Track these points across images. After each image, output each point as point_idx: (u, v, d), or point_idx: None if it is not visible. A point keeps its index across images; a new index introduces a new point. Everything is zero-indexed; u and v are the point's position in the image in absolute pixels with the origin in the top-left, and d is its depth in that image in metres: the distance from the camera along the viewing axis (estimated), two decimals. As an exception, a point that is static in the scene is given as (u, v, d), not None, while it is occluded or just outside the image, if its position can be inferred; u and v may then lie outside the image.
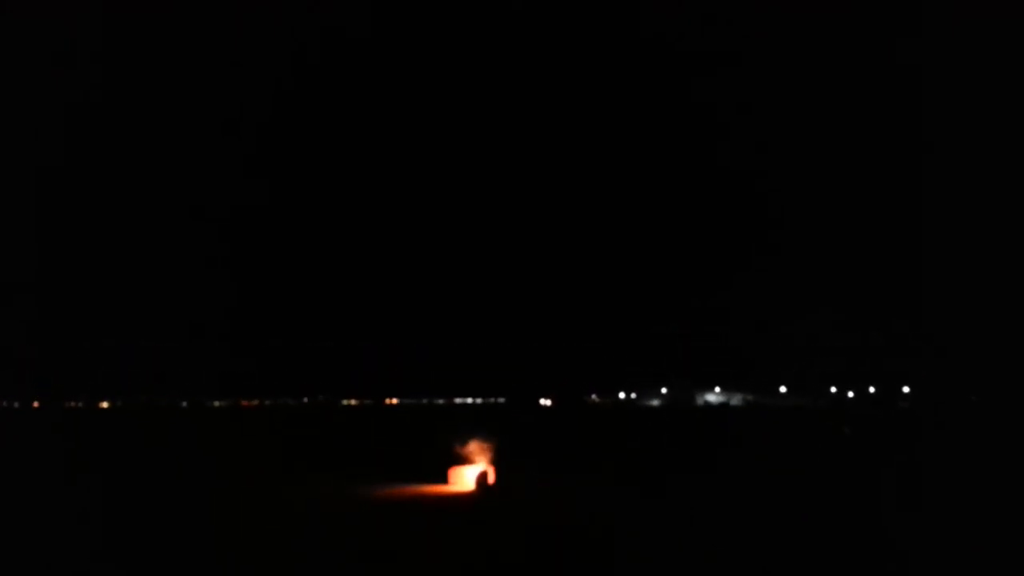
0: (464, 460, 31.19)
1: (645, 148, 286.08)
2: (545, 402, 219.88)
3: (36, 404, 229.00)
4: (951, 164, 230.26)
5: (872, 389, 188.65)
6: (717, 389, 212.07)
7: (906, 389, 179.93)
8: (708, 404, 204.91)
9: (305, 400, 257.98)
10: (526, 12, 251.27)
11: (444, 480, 30.52)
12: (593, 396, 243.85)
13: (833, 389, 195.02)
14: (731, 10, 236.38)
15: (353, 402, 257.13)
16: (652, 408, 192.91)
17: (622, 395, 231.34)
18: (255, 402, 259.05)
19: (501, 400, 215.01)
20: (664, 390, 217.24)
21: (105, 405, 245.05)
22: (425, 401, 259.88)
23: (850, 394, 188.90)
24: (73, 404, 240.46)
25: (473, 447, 31.43)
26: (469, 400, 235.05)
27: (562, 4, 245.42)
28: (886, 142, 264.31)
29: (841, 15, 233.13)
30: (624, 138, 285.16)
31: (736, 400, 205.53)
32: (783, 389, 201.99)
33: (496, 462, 30.98)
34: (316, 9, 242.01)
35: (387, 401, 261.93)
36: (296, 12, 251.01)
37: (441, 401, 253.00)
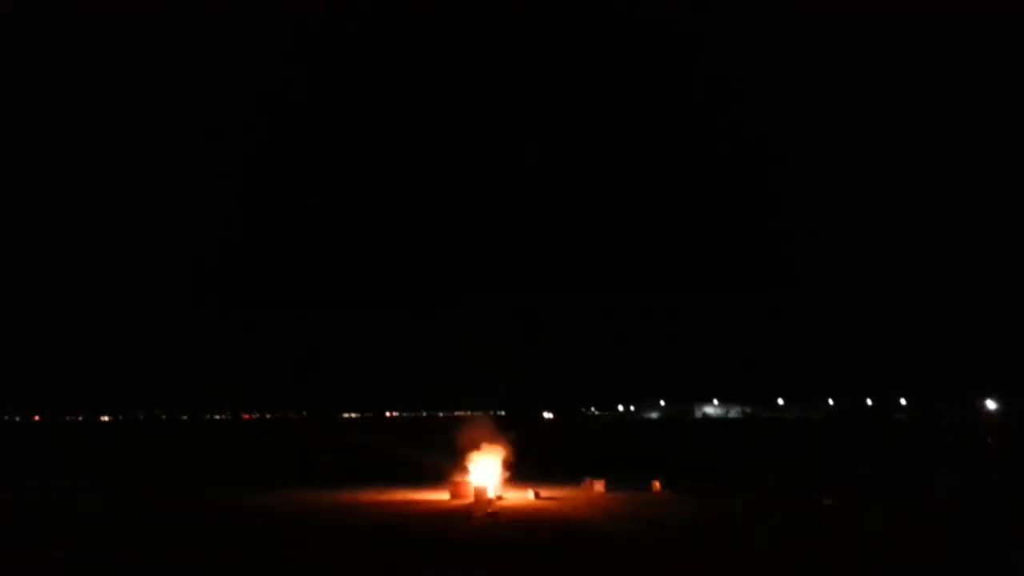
0: (464, 472, 32.51)
1: (644, 160, 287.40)
2: (547, 415, 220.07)
3: (37, 418, 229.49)
4: (953, 165, 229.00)
5: (869, 401, 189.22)
6: (715, 401, 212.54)
7: (903, 401, 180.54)
8: (707, 416, 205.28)
9: (304, 413, 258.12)
10: (526, 11, 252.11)
11: (445, 491, 31.88)
12: (592, 409, 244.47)
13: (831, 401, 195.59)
14: (731, 10, 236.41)
15: (353, 415, 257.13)
16: (651, 420, 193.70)
17: (621, 407, 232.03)
18: (255, 415, 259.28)
19: (502, 413, 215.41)
20: (662, 403, 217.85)
21: (106, 418, 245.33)
22: (425, 414, 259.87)
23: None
24: (73, 418, 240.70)
25: (473, 459, 32.71)
26: (469, 413, 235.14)
27: (563, 6, 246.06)
28: (887, 142, 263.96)
29: (841, 16, 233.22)
30: (623, 146, 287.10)
31: (734, 412, 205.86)
32: (781, 401, 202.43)
33: (497, 474, 32.29)
34: (316, 9, 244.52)
35: (387, 414, 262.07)
36: (296, 12, 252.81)
37: (441, 414, 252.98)
